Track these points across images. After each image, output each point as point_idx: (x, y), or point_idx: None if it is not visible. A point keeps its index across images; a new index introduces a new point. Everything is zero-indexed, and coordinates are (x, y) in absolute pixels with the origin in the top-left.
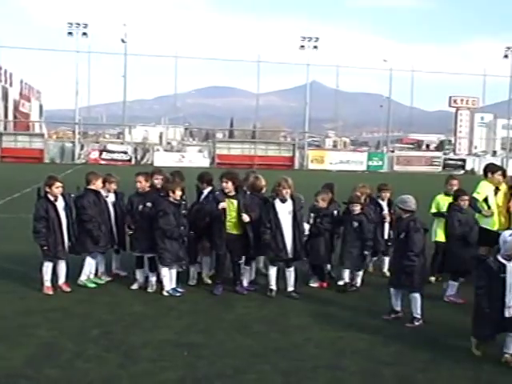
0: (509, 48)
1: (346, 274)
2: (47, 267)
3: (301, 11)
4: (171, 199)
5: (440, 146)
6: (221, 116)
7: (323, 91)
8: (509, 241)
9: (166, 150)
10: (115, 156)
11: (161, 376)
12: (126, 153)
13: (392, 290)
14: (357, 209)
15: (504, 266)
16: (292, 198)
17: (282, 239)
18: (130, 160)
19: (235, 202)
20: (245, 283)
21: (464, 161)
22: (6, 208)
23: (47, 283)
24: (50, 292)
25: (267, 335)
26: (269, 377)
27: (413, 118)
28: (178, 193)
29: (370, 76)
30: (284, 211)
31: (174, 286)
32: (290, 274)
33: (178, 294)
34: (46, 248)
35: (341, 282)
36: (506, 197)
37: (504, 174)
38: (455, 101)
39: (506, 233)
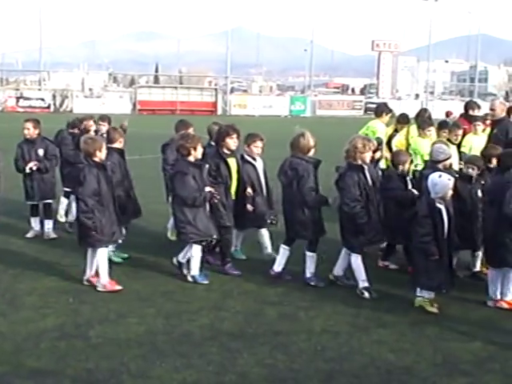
0: None
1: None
2: None
3: None
4: (191, 159)
5: (364, 90)
6: (146, 62)
7: (249, 36)
8: (439, 182)
9: (85, 97)
10: (32, 103)
11: (41, 323)
12: (43, 100)
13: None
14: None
15: (440, 209)
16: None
17: (379, 217)
18: (48, 107)
19: (235, 160)
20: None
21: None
22: None
23: None
24: None
25: (157, 279)
26: (150, 320)
27: (338, 62)
28: (200, 150)
29: (296, 20)
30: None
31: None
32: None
33: (206, 282)
34: None
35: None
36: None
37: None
38: (378, 45)
39: (434, 175)
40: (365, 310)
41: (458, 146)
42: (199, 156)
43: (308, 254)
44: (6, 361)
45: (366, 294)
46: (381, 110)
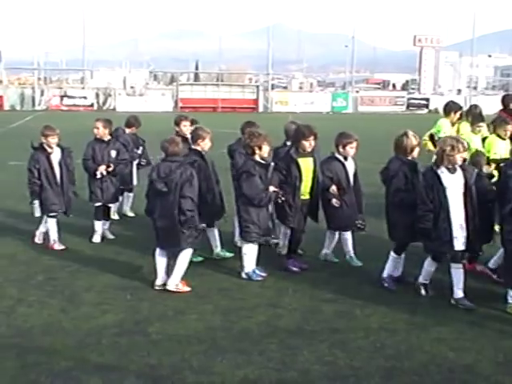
0: None
1: None
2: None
3: None
4: (257, 158)
5: (405, 86)
6: (186, 59)
7: (289, 33)
8: None
9: (128, 95)
10: (76, 101)
11: (100, 319)
12: (86, 98)
13: None
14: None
15: None
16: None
17: (450, 226)
18: (91, 105)
19: (311, 160)
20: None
21: (428, 100)
22: None
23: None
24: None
25: (212, 276)
26: (208, 316)
27: (378, 57)
28: (266, 149)
29: (336, 16)
30: (454, 185)
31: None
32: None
33: (260, 279)
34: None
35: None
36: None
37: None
38: (420, 40)
39: None
40: (421, 308)
41: None
42: (265, 155)
43: (392, 254)
44: (70, 356)
45: (423, 291)
46: (449, 108)
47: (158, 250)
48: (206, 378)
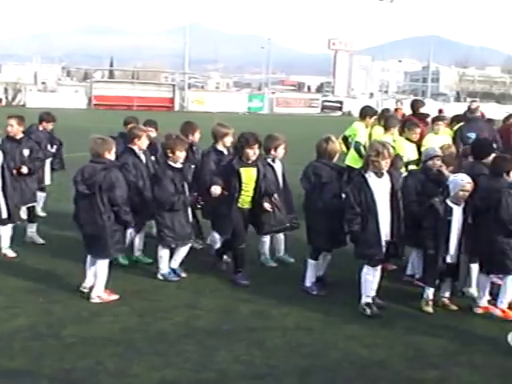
0: None
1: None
2: None
3: None
4: (170, 162)
5: (320, 88)
6: (101, 56)
7: (206, 33)
8: (460, 185)
9: (39, 91)
10: None
11: (11, 323)
12: None
13: None
14: None
15: (451, 209)
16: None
17: (378, 229)
18: (0, 101)
19: (255, 170)
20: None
21: (341, 103)
22: None
23: None
24: None
25: (128, 278)
26: (124, 318)
27: (294, 59)
28: (180, 153)
29: (253, 18)
30: (381, 190)
31: (175, 266)
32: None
33: (176, 279)
34: None
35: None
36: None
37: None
38: (334, 43)
39: (460, 176)
40: (335, 306)
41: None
42: (180, 159)
43: (310, 261)
44: None
45: (368, 311)
46: (364, 112)
47: (88, 257)
48: (121, 381)
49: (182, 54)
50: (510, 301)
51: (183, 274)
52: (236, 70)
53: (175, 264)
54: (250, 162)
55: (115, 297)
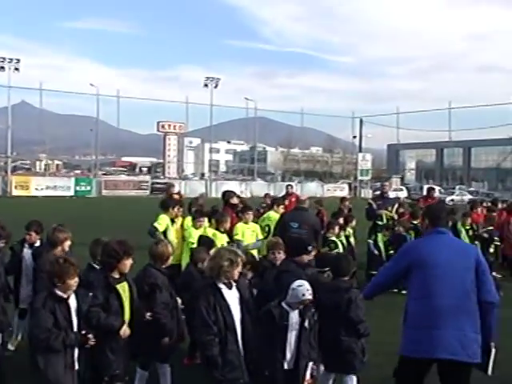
0: (208, 78)
1: None
2: None
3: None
4: (57, 291)
5: (151, 169)
6: None
7: (34, 112)
8: (296, 289)
9: None
10: None
11: None
12: None
13: None
14: None
15: (287, 313)
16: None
17: (238, 348)
18: None
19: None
20: None
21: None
22: None
23: None
24: None
25: None
26: None
27: (125, 141)
28: (71, 282)
29: (80, 98)
30: (234, 301)
31: None
32: None
33: None
34: None
35: None
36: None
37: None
38: (163, 126)
39: (303, 288)
40: None
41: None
42: (69, 288)
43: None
44: None
45: None
46: (166, 205)
47: None
48: None
49: (5, 135)
50: None
51: None
52: (66, 151)
53: None
54: (120, 276)
55: None
